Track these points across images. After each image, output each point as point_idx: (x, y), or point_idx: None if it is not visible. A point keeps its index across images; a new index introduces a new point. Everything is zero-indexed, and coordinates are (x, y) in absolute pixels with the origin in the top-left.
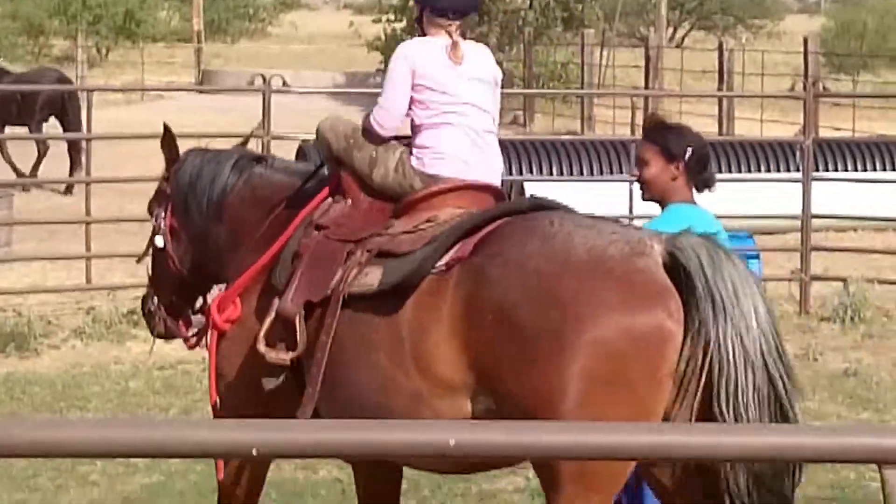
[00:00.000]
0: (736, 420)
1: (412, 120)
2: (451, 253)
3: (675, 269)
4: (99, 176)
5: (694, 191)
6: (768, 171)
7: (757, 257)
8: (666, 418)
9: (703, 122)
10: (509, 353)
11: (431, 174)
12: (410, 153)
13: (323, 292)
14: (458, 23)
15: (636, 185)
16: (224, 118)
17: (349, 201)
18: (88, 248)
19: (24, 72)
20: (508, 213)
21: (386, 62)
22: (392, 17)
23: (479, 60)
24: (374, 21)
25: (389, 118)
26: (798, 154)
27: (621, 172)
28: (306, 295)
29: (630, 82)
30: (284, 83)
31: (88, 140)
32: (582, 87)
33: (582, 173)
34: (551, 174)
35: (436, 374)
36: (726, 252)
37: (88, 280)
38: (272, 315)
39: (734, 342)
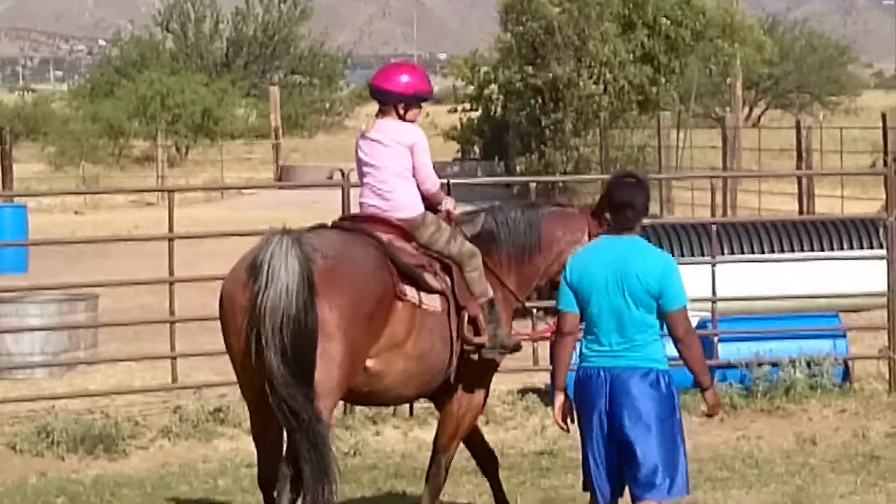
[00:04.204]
0: (257, 340)
1: None
2: None
3: None
4: (182, 275)
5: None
6: (851, 248)
7: (844, 336)
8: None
9: (782, 201)
10: None
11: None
12: None
13: None
14: (387, 107)
15: (718, 268)
16: (304, 213)
17: None
18: (173, 348)
19: None
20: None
21: (462, 151)
22: (467, 106)
23: (391, 131)
24: (449, 111)
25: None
26: (881, 230)
27: (702, 255)
28: None
29: (708, 163)
30: None
31: (171, 240)
32: (659, 170)
33: None
34: None
35: None
36: (281, 238)
37: (174, 379)
38: None
39: (264, 293)
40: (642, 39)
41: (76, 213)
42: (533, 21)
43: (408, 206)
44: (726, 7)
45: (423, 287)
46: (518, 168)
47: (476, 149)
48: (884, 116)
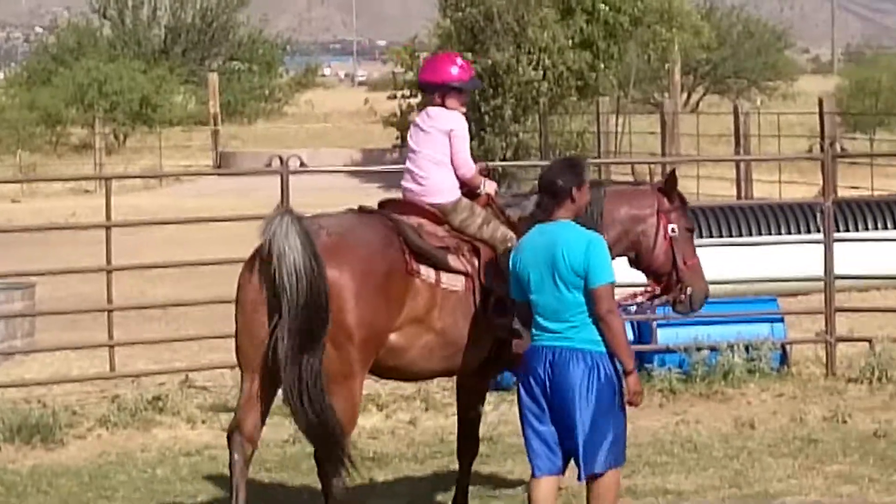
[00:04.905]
0: (286, 307)
1: None
2: None
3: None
4: (119, 263)
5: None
6: (788, 232)
7: (781, 320)
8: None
9: (720, 186)
10: None
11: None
12: None
13: None
14: (434, 95)
15: None
16: (243, 200)
17: None
18: (111, 336)
19: None
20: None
21: (401, 138)
22: (406, 92)
23: (434, 119)
24: (388, 97)
25: None
26: (818, 215)
27: None
28: None
29: (647, 149)
30: (302, 163)
31: (108, 228)
32: (598, 156)
33: None
34: None
35: None
36: (284, 219)
37: (112, 368)
38: None
39: (277, 269)
40: (581, 25)
41: (13, 201)
42: (472, 7)
43: (441, 191)
44: None
45: (441, 267)
46: None
47: None
48: (820, 101)
